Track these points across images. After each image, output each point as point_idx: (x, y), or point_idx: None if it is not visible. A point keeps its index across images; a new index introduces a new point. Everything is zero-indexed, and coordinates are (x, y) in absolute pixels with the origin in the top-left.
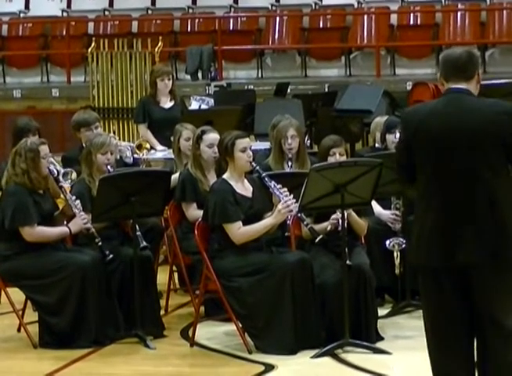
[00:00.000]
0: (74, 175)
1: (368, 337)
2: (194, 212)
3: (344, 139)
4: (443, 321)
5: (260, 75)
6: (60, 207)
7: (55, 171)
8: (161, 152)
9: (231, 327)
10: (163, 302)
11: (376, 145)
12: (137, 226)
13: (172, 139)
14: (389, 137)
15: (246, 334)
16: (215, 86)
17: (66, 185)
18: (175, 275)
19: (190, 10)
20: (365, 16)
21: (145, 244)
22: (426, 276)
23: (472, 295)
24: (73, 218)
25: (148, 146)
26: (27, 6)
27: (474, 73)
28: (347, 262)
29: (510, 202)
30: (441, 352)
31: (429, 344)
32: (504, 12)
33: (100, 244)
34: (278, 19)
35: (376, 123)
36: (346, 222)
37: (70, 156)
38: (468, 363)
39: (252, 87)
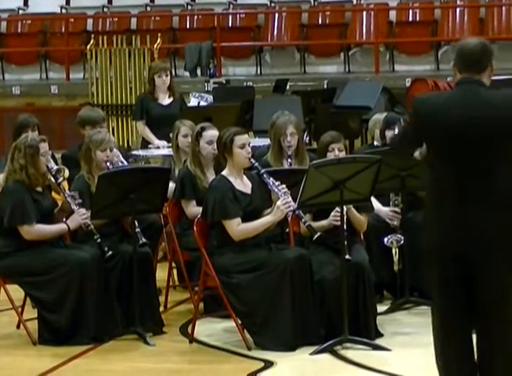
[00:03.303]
0: (67, 172)
1: (367, 333)
2: (193, 209)
3: (343, 136)
4: (450, 310)
5: (259, 72)
6: (60, 204)
7: (53, 169)
8: (161, 149)
9: (230, 324)
10: (162, 299)
11: (375, 143)
12: (136, 223)
13: (171, 135)
14: (388, 133)
15: (245, 330)
16: (214, 83)
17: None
18: (174, 271)
19: (189, 7)
20: (364, 13)
21: (144, 240)
22: (436, 263)
23: (477, 283)
24: (72, 215)
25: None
26: (25, 3)
27: (487, 65)
28: (347, 256)
29: None
30: (446, 340)
31: (435, 333)
32: (503, 8)
33: (99, 240)
34: (277, 15)
35: (374, 120)
36: (345, 217)
37: (71, 154)
38: (471, 351)
39: (251, 83)
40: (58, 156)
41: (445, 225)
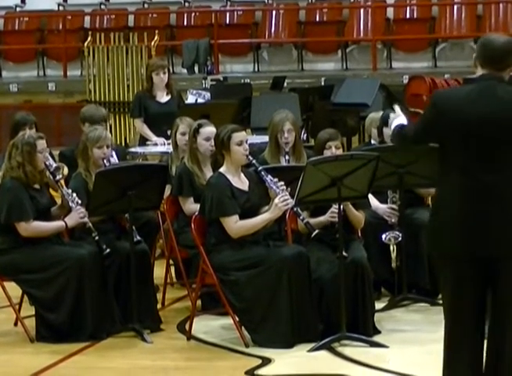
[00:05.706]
0: (66, 170)
1: (365, 330)
2: (191, 206)
3: (340, 133)
4: (462, 310)
5: (256, 69)
6: (58, 202)
7: (52, 166)
8: (159, 147)
9: (228, 321)
10: (159, 296)
11: (372, 141)
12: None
13: (169, 132)
14: (386, 130)
15: (242, 327)
16: (212, 80)
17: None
18: (172, 269)
19: (186, 4)
20: (362, 10)
21: (138, 238)
22: (448, 265)
23: (495, 285)
24: (70, 213)
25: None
26: (23, 0)
27: (510, 63)
28: (344, 253)
29: None
30: (456, 341)
31: (446, 332)
32: (500, 5)
33: (97, 238)
34: (274, 12)
35: (370, 119)
36: (343, 214)
37: (69, 152)
38: (481, 352)
39: (248, 81)
40: (55, 153)
41: (463, 225)
